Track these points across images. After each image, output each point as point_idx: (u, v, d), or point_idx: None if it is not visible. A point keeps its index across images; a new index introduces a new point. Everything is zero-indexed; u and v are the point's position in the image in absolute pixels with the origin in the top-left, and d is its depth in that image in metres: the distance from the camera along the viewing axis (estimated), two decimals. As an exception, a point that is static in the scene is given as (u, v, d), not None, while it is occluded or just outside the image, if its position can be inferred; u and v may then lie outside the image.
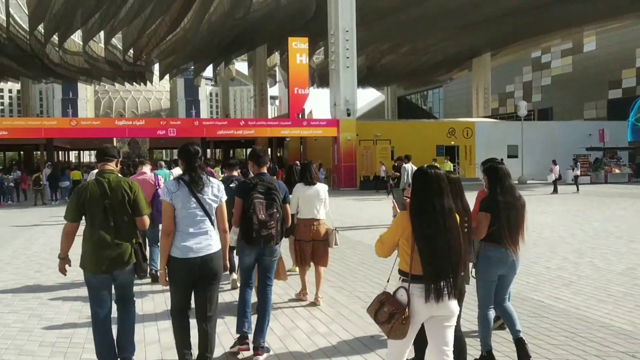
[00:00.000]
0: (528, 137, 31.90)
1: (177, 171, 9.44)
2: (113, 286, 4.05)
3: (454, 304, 3.08)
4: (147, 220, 4.13)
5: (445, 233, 3.04)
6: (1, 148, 54.05)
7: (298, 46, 31.41)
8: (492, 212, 4.12)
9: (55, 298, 6.63)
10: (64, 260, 4.06)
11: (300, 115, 33.20)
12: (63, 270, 4.10)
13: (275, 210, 4.49)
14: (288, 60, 32.75)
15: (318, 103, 56.15)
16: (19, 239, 12.08)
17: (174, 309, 4.00)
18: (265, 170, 4.73)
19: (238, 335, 4.58)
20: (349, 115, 29.15)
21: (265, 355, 4.41)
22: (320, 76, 51.88)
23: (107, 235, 3.92)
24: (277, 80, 58.90)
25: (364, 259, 8.86)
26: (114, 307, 4.13)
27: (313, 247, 6.09)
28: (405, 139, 30.39)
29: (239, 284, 5.24)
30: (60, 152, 58.22)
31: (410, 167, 12.81)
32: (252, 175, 4.84)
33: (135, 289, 4.49)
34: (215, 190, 3.98)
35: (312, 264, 6.21)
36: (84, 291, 5.08)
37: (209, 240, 3.90)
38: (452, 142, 33.56)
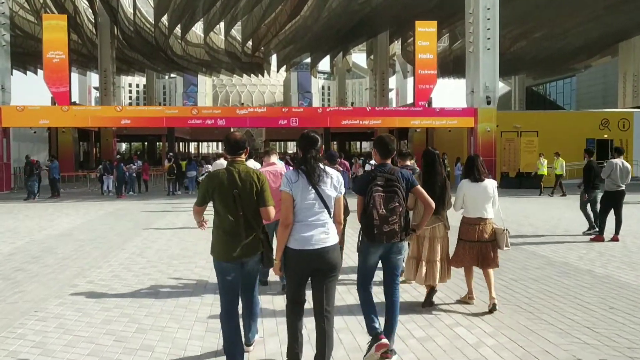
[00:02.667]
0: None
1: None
2: (244, 273, 4.11)
3: None
4: (272, 210, 4.10)
5: None
6: (126, 139, 56.27)
7: (426, 30, 28.39)
8: None
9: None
10: (200, 222, 4.33)
11: (426, 106, 30.31)
12: (202, 226, 4.36)
13: (397, 203, 4.19)
14: (414, 46, 29.96)
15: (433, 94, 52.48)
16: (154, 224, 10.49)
17: (289, 301, 3.93)
18: (389, 161, 4.39)
19: (371, 336, 4.30)
20: (488, 103, 25.79)
21: (394, 358, 4.25)
22: (440, 65, 48.43)
23: (237, 224, 3.98)
24: (396, 70, 56.44)
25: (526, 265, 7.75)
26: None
27: (480, 249, 5.71)
28: (551, 131, 26.53)
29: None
30: (180, 143, 59.73)
31: (620, 163, 9.65)
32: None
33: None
34: (334, 181, 3.89)
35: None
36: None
37: (326, 233, 3.82)
38: (605, 135, 28.88)
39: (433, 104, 35.43)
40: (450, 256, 5.88)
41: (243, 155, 4.18)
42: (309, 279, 3.87)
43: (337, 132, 40.09)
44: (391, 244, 4.24)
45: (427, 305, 5.72)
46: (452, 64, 48.07)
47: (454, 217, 5.92)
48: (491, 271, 5.70)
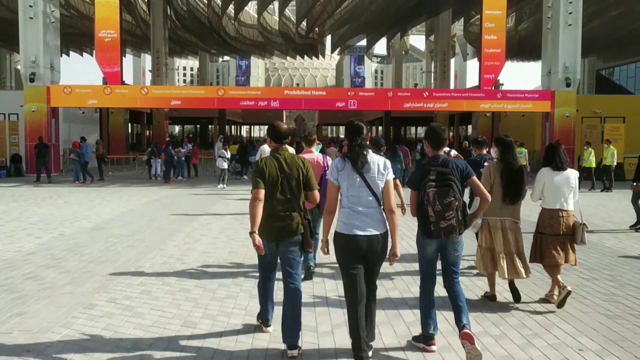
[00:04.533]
0: None
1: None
2: (279, 255, 4.25)
3: None
4: (317, 194, 4.36)
5: None
6: (179, 121, 55.86)
7: (493, 7, 25.75)
8: None
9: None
10: (254, 234, 4.10)
11: (493, 89, 27.90)
12: (260, 249, 4.12)
13: (452, 198, 3.97)
14: (481, 24, 27.52)
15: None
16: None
17: (345, 286, 3.97)
18: (442, 152, 4.21)
19: (423, 334, 4.25)
20: (568, 85, 23.25)
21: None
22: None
23: (280, 207, 4.16)
24: (456, 52, 53.64)
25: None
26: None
27: (564, 242, 5.43)
28: (637, 118, 23.74)
29: None
30: (232, 127, 58.96)
31: None
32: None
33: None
34: (381, 168, 3.90)
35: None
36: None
37: (374, 220, 3.85)
38: None
39: (499, 87, 32.92)
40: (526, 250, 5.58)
41: (287, 144, 4.41)
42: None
43: (394, 117, 37.97)
44: (447, 239, 4.10)
45: (519, 300, 5.51)
46: (517, 46, 44.95)
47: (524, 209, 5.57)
48: (561, 268, 5.52)
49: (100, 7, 25.16)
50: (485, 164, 6.31)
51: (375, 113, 44.96)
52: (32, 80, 22.32)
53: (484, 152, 7.08)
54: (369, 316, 3.97)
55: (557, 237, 5.41)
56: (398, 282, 6.19)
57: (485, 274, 5.73)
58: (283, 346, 4.12)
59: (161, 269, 6.74)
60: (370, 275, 3.95)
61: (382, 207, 3.89)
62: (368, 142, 3.98)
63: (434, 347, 4.17)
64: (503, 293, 5.65)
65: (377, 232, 3.82)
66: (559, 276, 5.37)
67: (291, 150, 4.85)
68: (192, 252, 7.79)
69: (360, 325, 3.79)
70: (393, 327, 4.72)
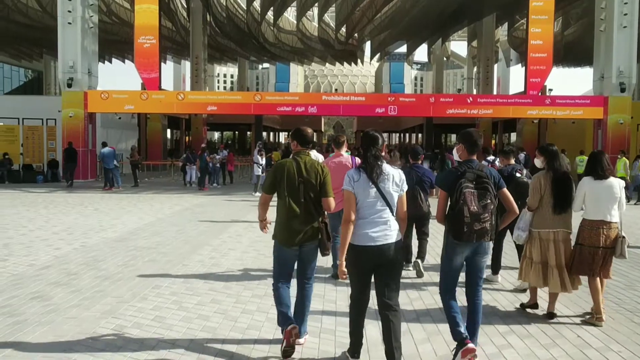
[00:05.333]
0: None
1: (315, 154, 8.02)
2: (300, 258, 4.34)
3: None
4: (332, 202, 4.35)
5: None
6: (218, 127, 55.97)
7: (540, 12, 24.48)
8: None
9: None
10: (263, 221, 4.49)
11: (540, 94, 26.58)
12: (264, 228, 4.53)
13: (489, 201, 3.92)
14: (527, 29, 26.29)
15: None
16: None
17: (352, 298, 3.99)
18: (475, 157, 4.16)
19: (456, 341, 4.06)
20: (622, 91, 21.90)
21: None
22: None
23: (299, 211, 4.22)
24: (499, 58, 52.08)
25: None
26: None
27: (604, 256, 5.13)
28: None
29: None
30: (270, 133, 58.78)
31: None
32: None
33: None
34: (396, 179, 3.90)
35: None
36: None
37: (388, 230, 3.82)
38: None
39: (548, 93, 31.49)
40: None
41: (309, 148, 4.51)
42: (372, 276, 3.90)
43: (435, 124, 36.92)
44: (479, 243, 4.01)
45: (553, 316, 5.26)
46: (563, 52, 43.22)
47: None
48: (602, 282, 5.26)
49: (140, 13, 25.09)
50: (517, 174, 6.40)
51: (414, 120, 43.92)
52: (69, 86, 22.31)
53: (512, 162, 6.82)
54: (393, 335, 3.79)
55: (595, 250, 5.14)
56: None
57: (526, 286, 5.68)
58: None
59: (180, 289, 6.08)
60: (382, 289, 3.86)
61: (394, 216, 3.89)
62: (384, 153, 3.97)
63: (471, 345, 3.98)
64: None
65: (391, 242, 3.81)
66: (600, 296, 5.14)
67: (314, 155, 4.95)
68: (217, 268, 7.13)
69: (360, 332, 3.98)
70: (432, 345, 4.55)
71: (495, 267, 6.58)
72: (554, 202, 5.17)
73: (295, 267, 4.42)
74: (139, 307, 5.34)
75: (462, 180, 3.95)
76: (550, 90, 27.59)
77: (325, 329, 4.83)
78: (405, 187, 3.94)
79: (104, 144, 20.21)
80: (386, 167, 3.86)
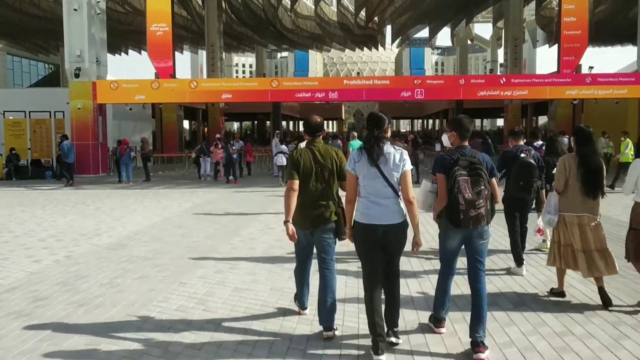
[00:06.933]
0: None
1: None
2: (314, 242, 4.41)
3: None
4: None
5: None
6: (236, 117, 54.76)
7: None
8: None
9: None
10: (288, 223, 4.26)
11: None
12: (293, 237, 4.30)
13: (482, 187, 3.94)
14: (560, 6, 24.48)
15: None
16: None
17: (365, 275, 4.02)
18: (467, 143, 4.15)
19: (435, 317, 4.36)
20: (670, 67, 20.03)
21: (487, 352, 3.85)
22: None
23: (315, 196, 4.31)
24: (525, 39, 49.92)
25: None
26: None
27: None
28: None
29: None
30: (290, 122, 57.43)
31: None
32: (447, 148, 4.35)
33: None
34: (397, 159, 3.91)
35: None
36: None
37: (391, 210, 3.87)
38: None
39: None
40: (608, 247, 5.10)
41: (321, 137, 4.52)
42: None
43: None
44: (474, 228, 3.96)
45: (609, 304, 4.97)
46: (594, 30, 40.95)
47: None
48: None
49: (152, 0, 23.89)
50: (522, 155, 6.25)
51: (439, 105, 42.18)
52: (77, 76, 21.25)
53: (521, 143, 6.68)
54: (392, 303, 4.06)
55: None
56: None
57: (555, 270, 5.51)
58: (316, 328, 4.37)
59: (178, 311, 4.76)
60: (390, 263, 4.01)
61: (399, 197, 3.91)
62: (388, 134, 3.99)
63: (442, 330, 4.31)
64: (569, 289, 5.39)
65: (393, 222, 3.86)
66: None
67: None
68: (221, 290, 5.68)
69: (376, 310, 3.89)
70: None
71: (518, 259, 6.28)
72: (580, 186, 5.00)
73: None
74: (122, 336, 4.01)
75: (455, 168, 3.93)
76: (591, 68, 25.59)
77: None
78: (408, 167, 3.92)
79: (64, 137, 19.40)
80: (387, 147, 3.89)
